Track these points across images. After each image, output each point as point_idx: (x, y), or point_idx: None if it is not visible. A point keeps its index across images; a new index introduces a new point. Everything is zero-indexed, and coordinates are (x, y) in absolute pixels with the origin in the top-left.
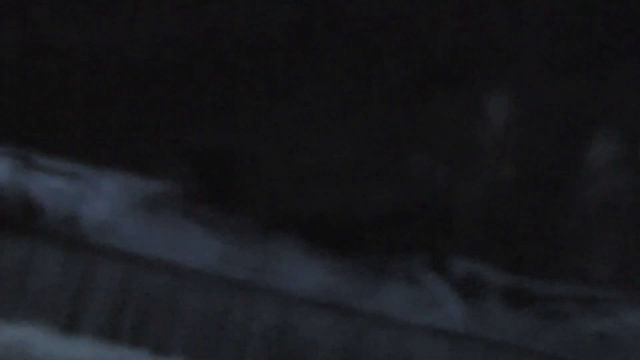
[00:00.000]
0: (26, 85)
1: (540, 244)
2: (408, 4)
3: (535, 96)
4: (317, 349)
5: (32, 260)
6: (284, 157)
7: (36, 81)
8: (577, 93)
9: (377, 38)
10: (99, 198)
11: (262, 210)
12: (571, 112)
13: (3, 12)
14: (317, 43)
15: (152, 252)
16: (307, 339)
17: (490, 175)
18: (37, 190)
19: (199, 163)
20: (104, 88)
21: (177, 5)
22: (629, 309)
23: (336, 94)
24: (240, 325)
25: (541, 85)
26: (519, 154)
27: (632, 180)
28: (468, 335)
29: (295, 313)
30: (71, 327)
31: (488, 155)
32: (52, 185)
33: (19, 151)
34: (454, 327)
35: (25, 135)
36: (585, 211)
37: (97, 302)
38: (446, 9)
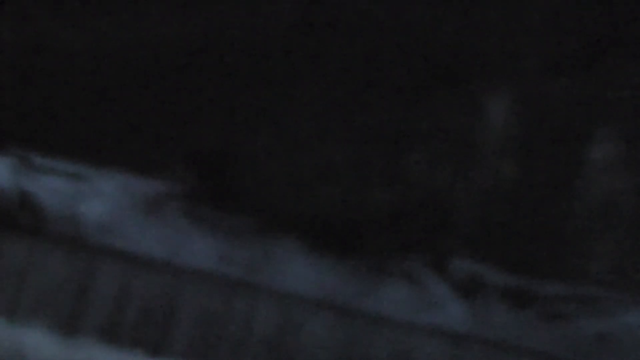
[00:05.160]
0: (26, 85)
1: (540, 244)
2: (408, 4)
3: (535, 96)
4: (317, 349)
5: (32, 260)
6: (284, 157)
7: (36, 81)
8: (577, 93)
9: (377, 38)
10: (99, 198)
11: (262, 210)
12: (571, 112)
13: (3, 12)
14: (317, 43)
15: (152, 252)
16: (307, 339)
17: (490, 175)
18: (37, 190)
19: (199, 163)
20: (104, 88)
21: (177, 6)
22: (629, 309)
23: (336, 93)
24: (240, 325)
25: (541, 85)
26: (519, 154)
27: (632, 180)
28: (468, 335)
29: (295, 313)
30: (71, 327)
31: (488, 155)
32: (52, 185)
33: (19, 151)
34: (454, 327)
35: (25, 135)
36: (585, 211)
37: (97, 302)
38: (446, 9)
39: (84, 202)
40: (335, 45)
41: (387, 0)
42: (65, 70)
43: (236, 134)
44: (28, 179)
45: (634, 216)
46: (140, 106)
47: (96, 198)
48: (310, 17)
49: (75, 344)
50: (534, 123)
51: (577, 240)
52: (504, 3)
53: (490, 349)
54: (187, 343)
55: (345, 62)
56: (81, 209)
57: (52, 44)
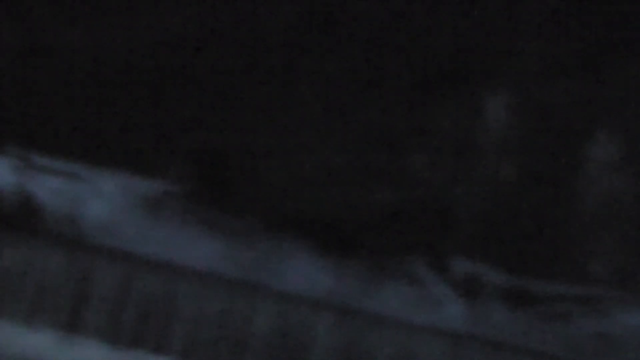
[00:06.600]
0: (26, 86)
1: (540, 244)
2: (408, 4)
3: (535, 96)
4: (317, 349)
5: (32, 260)
6: (284, 157)
7: (36, 81)
8: (577, 93)
9: (378, 38)
10: (99, 198)
11: (262, 210)
12: (571, 112)
13: (3, 12)
14: (317, 43)
15: (152, 252)
16: (307, 339)
17: (490, 175)
18: (37, 190)
19: (199, 163)
20: (104, 88)
21: (177, 6)
22: (629, 309)
23: (336, 94)
24: (240, 325)
25: (541, 85)
26: (519, 154)
27: (632, 180)
28: (468, 335)
29: (295, 313)
30: (71, 327)
31: (488, 155)
32: (52, 185)
33: (19, 151)
34: (454, 327)
35: (25, 135)
36: (585, 211)
37: (97, 302)
38: (446, 9)
39: (84, 202)
40: (335, 45)
41: (388, 0)
42: (65, 70)
43: (236, 134)
44: (28, 179)
45: (634, 216)
46: (140, 106)
47: (96, 198)
48: (311, 16)
49: (75, 344)
50: (534, 123)
51: (577, 240)
52: (504, 3)
53: (490, 349)
54: (187, 343)
55: (345, 62)
56: (81, 209)
57: (52, 44)
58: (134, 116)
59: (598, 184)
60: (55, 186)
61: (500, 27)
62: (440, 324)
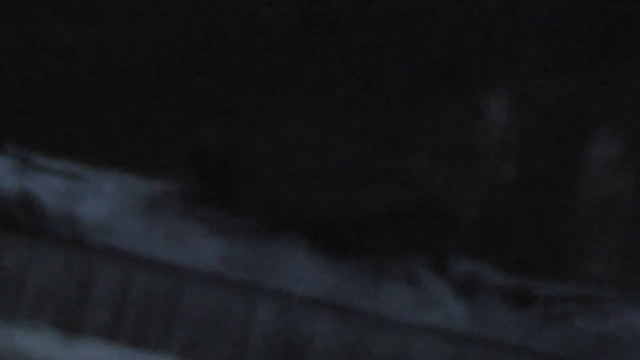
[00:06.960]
0: (26, 85)
1: (540, 244)
2: (408, 4)
3: (535, 96)
4: (317, 349)
5: (32, 260)
6: (284, 157)
7: (36, 81)
8: (577, 93)
9: (377, 38)
10: (99, 198)
11: (262, 210)
12: (571, 112)
13: (3, 12)
14: (316, 43)
15: (152, 252)
16: (307, 339)
17: (490, 175)
18: (37, 190)
19: (199, 163)
20: (104, 88)
21: (177, 5)
22: (629, 309)
23: (336, 93)
24: (240, 325)
25: (541, 85)
26: (519, 154)
27: (632, 180)
28: (468, 336)
29: (295, 313)
30: (71, 327)
31: (488, 155)
32: (52, 185)
33: (19, 151)
34: (455, 327)
35: (25, 135)
36: (585, 211)
37: (97, 302)
38: (446, 9)
39: (84, 202)
40: (335, 45)
41: (388, 0)
42: (65, 70)
43: (236, 134)
44: (28, 179)
45: (634, 216)
46: (140, 106)
47: (96, 198)
48: (311, 17)
49: (75, 344)
50: (534, 123)
51: (577, 240)
52: (504, 3)
53: (490, 349)
54: (187, 343)
55: (345, 62)
56: (81, 209)
57: (52, 44)
58: (134, 116)
59: (598, 184)
60: (55, 186)
61: (500, 27)
62: (440, 324)
